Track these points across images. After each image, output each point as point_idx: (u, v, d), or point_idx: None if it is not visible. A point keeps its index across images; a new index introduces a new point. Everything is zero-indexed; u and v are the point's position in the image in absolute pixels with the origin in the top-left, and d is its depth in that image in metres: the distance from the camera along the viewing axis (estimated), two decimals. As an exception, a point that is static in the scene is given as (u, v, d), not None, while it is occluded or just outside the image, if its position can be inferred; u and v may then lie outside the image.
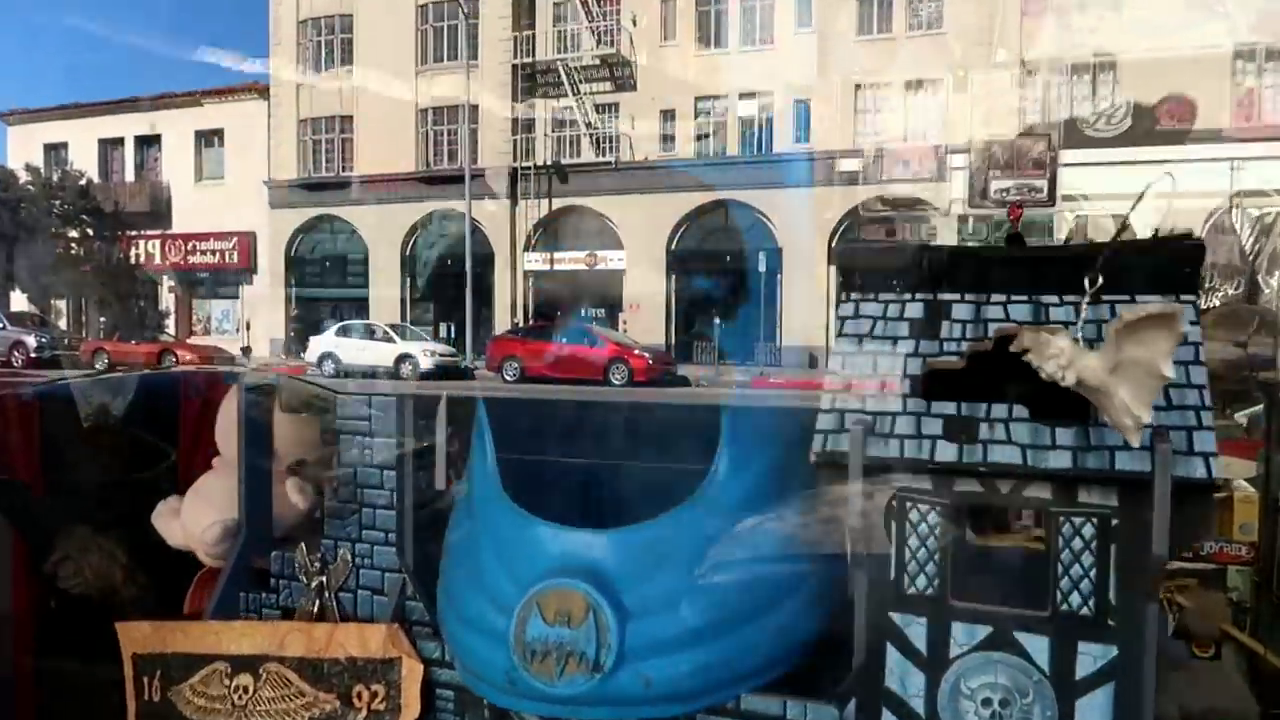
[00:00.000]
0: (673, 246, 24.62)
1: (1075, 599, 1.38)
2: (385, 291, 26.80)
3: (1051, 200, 2.88)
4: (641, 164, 24.90)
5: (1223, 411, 3.06)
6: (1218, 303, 2.93)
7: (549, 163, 25.78)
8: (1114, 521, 1.37)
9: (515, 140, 26.09)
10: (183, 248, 29.35)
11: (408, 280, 27.18)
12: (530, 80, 26.16)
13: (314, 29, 28.10)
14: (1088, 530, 1.38)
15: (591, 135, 25.72)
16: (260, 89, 28.71)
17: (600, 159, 25.34)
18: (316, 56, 28.09)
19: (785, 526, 1.59)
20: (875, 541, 1.45)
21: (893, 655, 1.47)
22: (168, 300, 29.77)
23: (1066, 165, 2.85)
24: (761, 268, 22.47)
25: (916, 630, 1.46)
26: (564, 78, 25.58)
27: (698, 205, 24.15)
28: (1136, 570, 1.35)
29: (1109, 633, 1.38)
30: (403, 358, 21.15)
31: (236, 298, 29.31)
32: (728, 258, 23.85)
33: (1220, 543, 2.93)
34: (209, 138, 29.64)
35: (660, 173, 24.42)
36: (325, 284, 28.28)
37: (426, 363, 20.88)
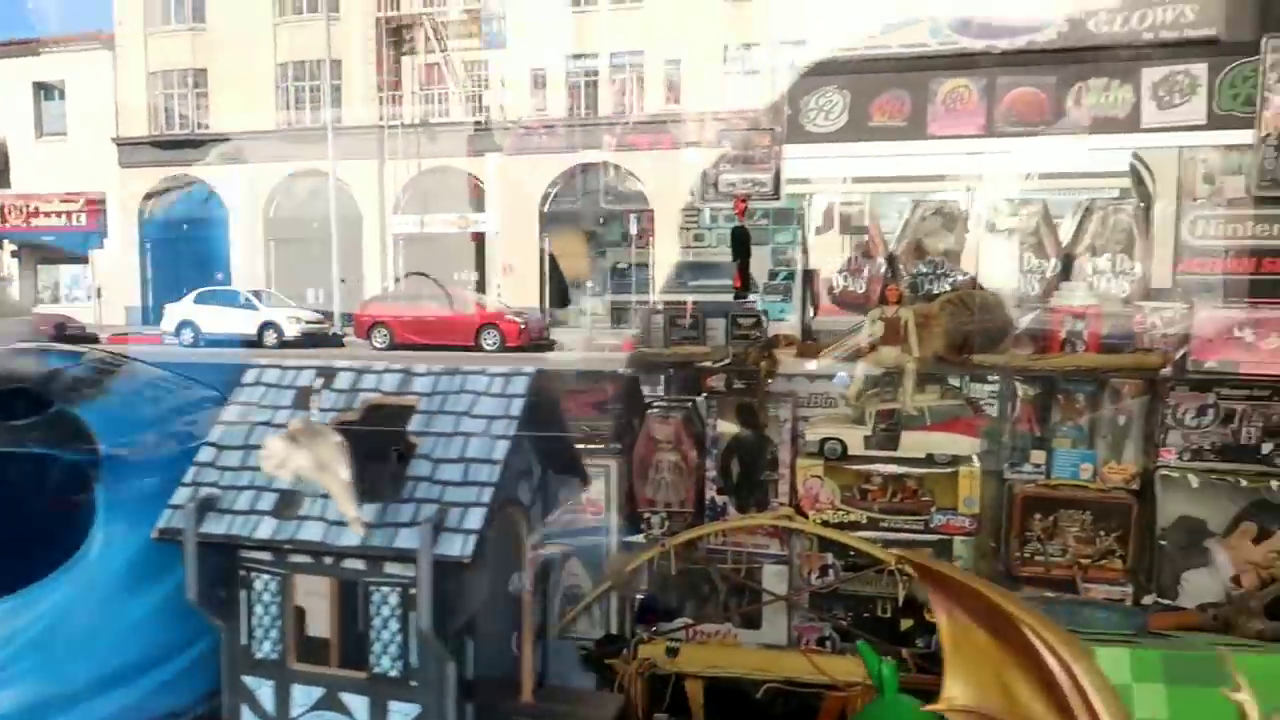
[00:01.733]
0: (545, 209, 24.49)
1: (385, 661, 1.55)
2: (247, 255, 25.81)
3: (776, 194, 3.05)
4: (513, 124, 24.57)
5: (954, 390, 3.28)
6: (948, 288, 3.11)
7: (417, 121, 25.16)
8: (411, 591, 1.53)
9: (381, 97, 25.33)
10: (24, 209, 27.51)
11: (271, 244, 26.23)
12: (396, 35, 25.37)
13: (162, -26, 26.52)
14: (393, 599, 1.56)
15: (461, 93, 25.19)
16: (105, 38, 26.95)
17: (470, 118, 24.88)
18: (165, 3, 26.52)
19: (161, 600, 1.67)
20: (231, 611, 1.56)
21: (247, 716, 1.61)
22: (9, 266, 27.94)
23: (790, 159, 3.06)
24: (633, 230, 22.60)
25: (265, 692, 1.61)
26: (430, 33, 24.91)
27: (571, 166, 24.04)
28: (433, 635, 1.52)
29: (412, 691, 1.55)
30: (266, 325, 20.53)
31: (86, 263, 27.72)
32: (601, 220, 23.85)
33: (947, 514, 3.16)
34: (49, 90, 27.72)
35: (532, 133, 24.16)
36: (182, 248, 27.03)
37: (291, 330, 20.32)
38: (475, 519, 1.63)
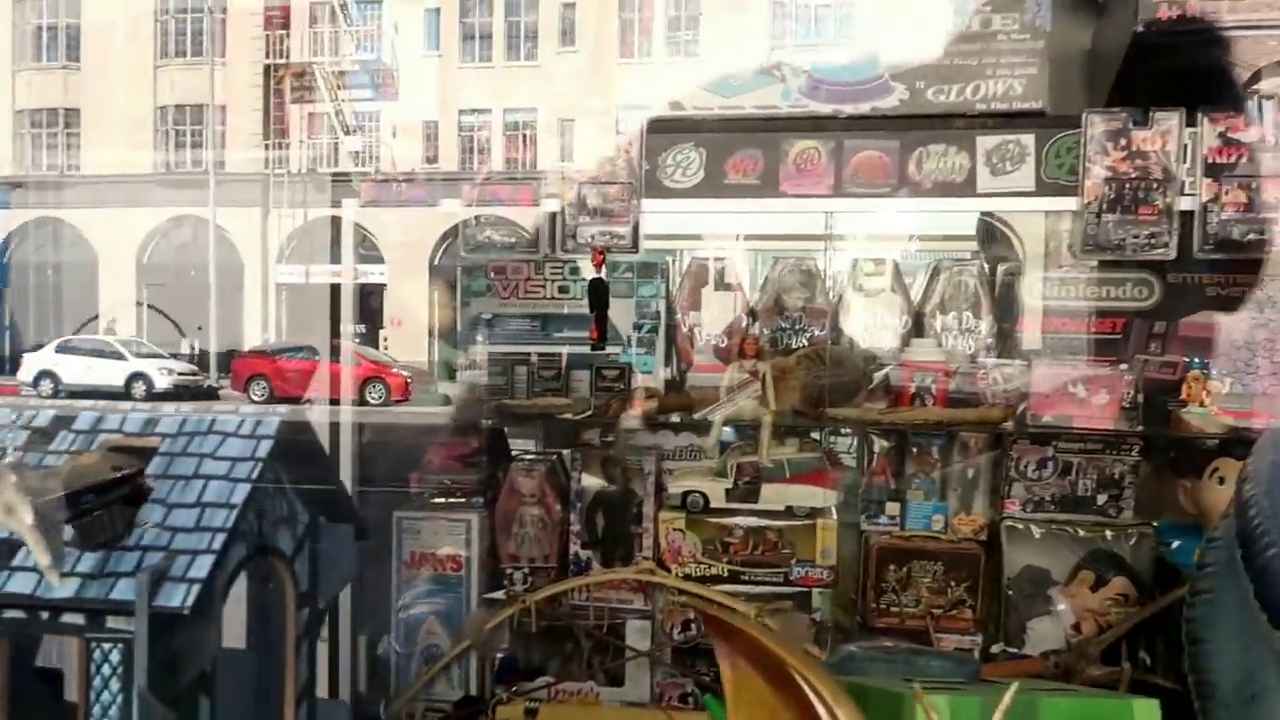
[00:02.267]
0: (436, 261, 24.20)
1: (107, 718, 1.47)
2: (116, 303, 24.64)
3: (635, 246, 3.13)
4: (405, 175, 24.33)
5: (813, 443, 3.34)
6: (805, 343, 3.18)
7: (304, 170, 24.68)
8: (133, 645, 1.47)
9: (268, 145, 24.79)
10: None
11: (144, 292, 25.13)
12: (284, 83, 24.96)
13: (33, 9, 25.46)
14: (115, 656, 1.48)
15: (363, 145, 24.89)
16: (-31, 74, 25.65)
17: (360, 168, 24.56)
18: (37, 42, 25.47)
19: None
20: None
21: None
22: None
23: (647, 213, 3.13)
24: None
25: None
26: (320, 82, 24.60)
27: (464, 219, 23.89)
28: (157, 687, 1.45)
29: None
30: (135, 376, 19.53)
31: (-61, 308, 25.96)
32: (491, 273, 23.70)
33: (806, 566, 3.19)
34: (-96, 125, 26.13)
35: (435, 186, 23.98)
36: (45, 294, 25.61)
37: (162, 381, 19.39)
38: (201, 567, 1.53)
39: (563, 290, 3.29)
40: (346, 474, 3.08)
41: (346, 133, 24.58)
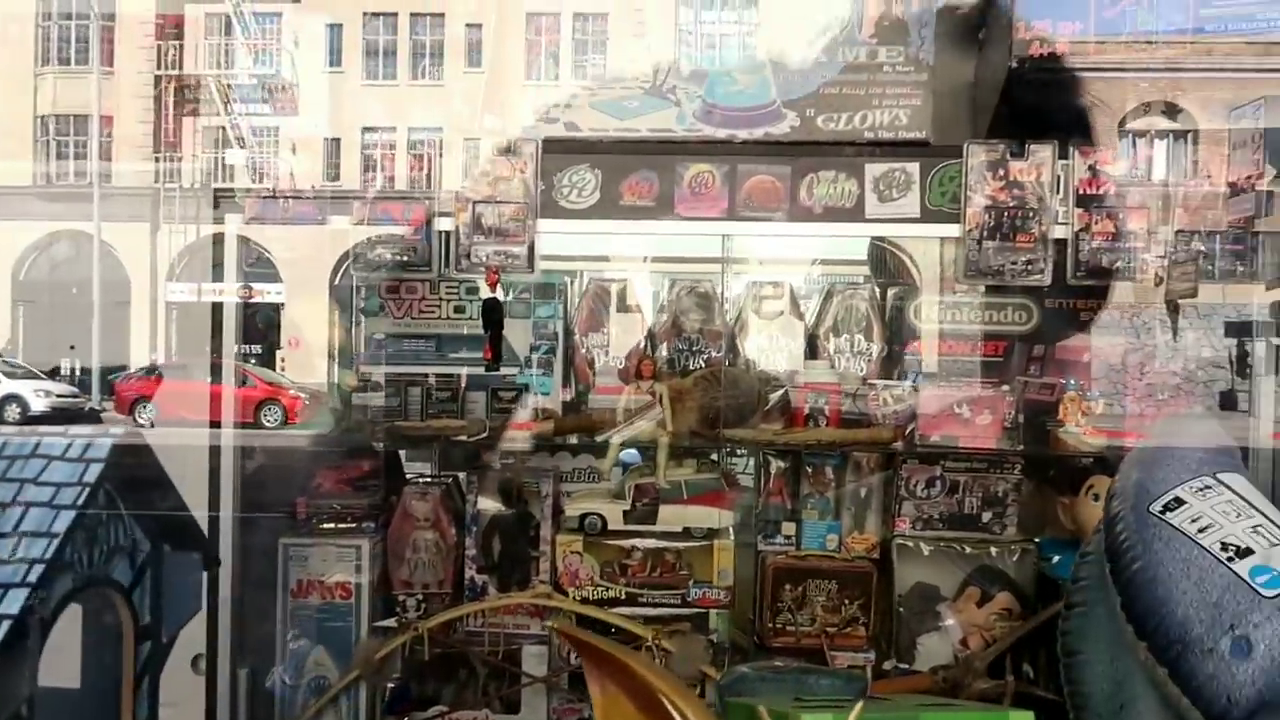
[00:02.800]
0: (336, 281, 23.66)
1: None
2: (-11, 321, 23.29)
3: (531, 266, 3.14)
4: (304, 193, 23.75)
5: (711, 464, 3.35)
6: (703, 364, 3.20)
7: (196, 185, 23.84)
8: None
9: (159, 159, 23.87)
10: None
11: (20, 309, 23.81)
12: (178, 95, 24.12)
13: (-100, 12, 24.07)
14: None
15: (247, 159, 24.18)
16: None
17: (257, 184, 23.86)
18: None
19: None
20: None
21: None
22: None
23: (544, 233, 3.15)
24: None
25: None
26: (216, 95, 23.86)
27: (366, 237, 23.40)
28: None
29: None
30: (9, 398, 18.46)
31: None
32: (384, 292, 23.26)
33: (703, 587, 3.19)
34: None
35: (324, 203, 23.43)
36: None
37: (38, 404, 18.37)
38: (13, 603, 1.42)
39: (459, 310, 3.24)
40: (227, 500, 2.95)
41: (242, 147, 23.88)
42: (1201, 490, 1.78)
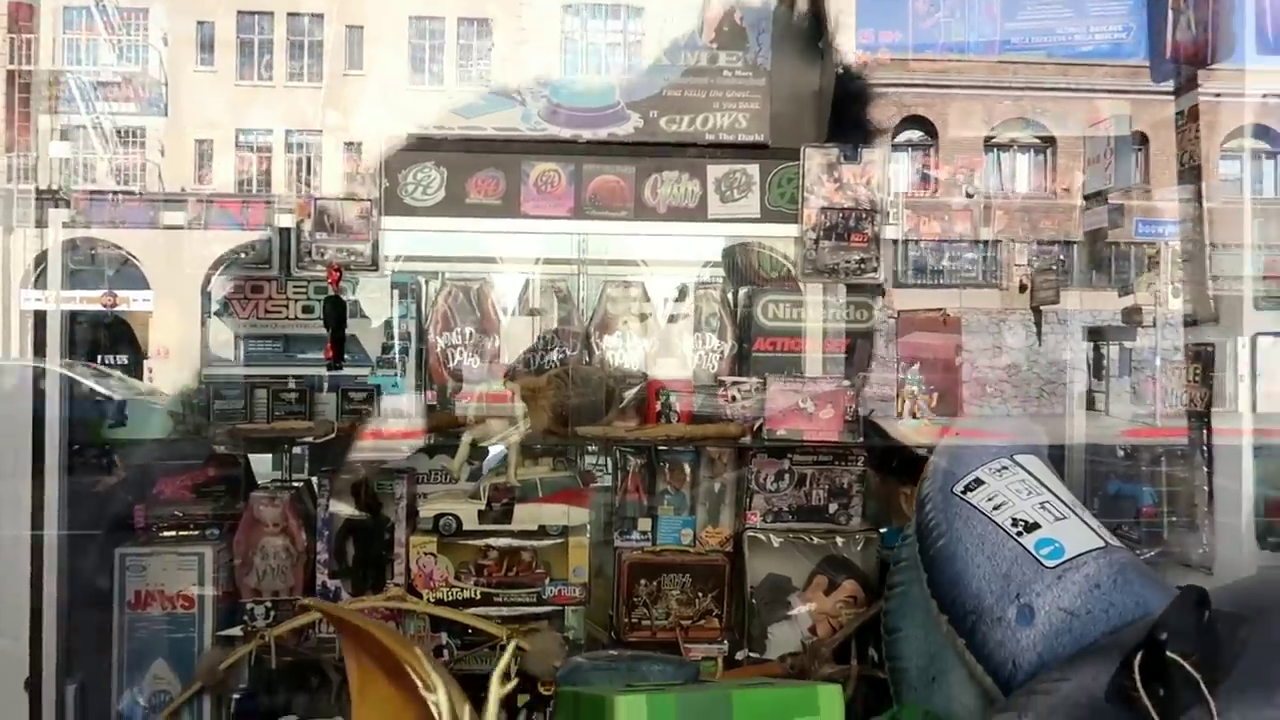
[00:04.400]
0: (209, 288, 22.74)
1: None
2: None
3: (374, 265, 3.13)
4: (174, 196, 22.74)
5: (566, 462, 3.38)
6: (557, 363, 3.21)
7: (55, 187, 22.55)
8: None
9: (10, 159, 22.48)
10: None
11: None
12: (30, 91, 22.77)
13: None
14: None
15: (111, 160, 23.02)
16: None
17: (122, 187, 22.72)
18: None
19: None
20: None
21: None
22: None
23: (387, 230, 3.15)
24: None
25: None
26: (76, 93, 22.65)
27: (239, 243, 22.57)
28: None
29: None
30: None
31: None
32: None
33: (559, 585, 3.21)
34: None
35: (196, 206, 22.47)
36: None
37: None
38: None
39: (307, 310, 3.18)
40: (52, 513, 2.80)
41: (104, 147, 22.72)
42: (999, 470, 1.91)
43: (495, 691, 0.93)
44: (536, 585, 3.20)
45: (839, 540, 3.29)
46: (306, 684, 3.23)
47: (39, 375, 3.05)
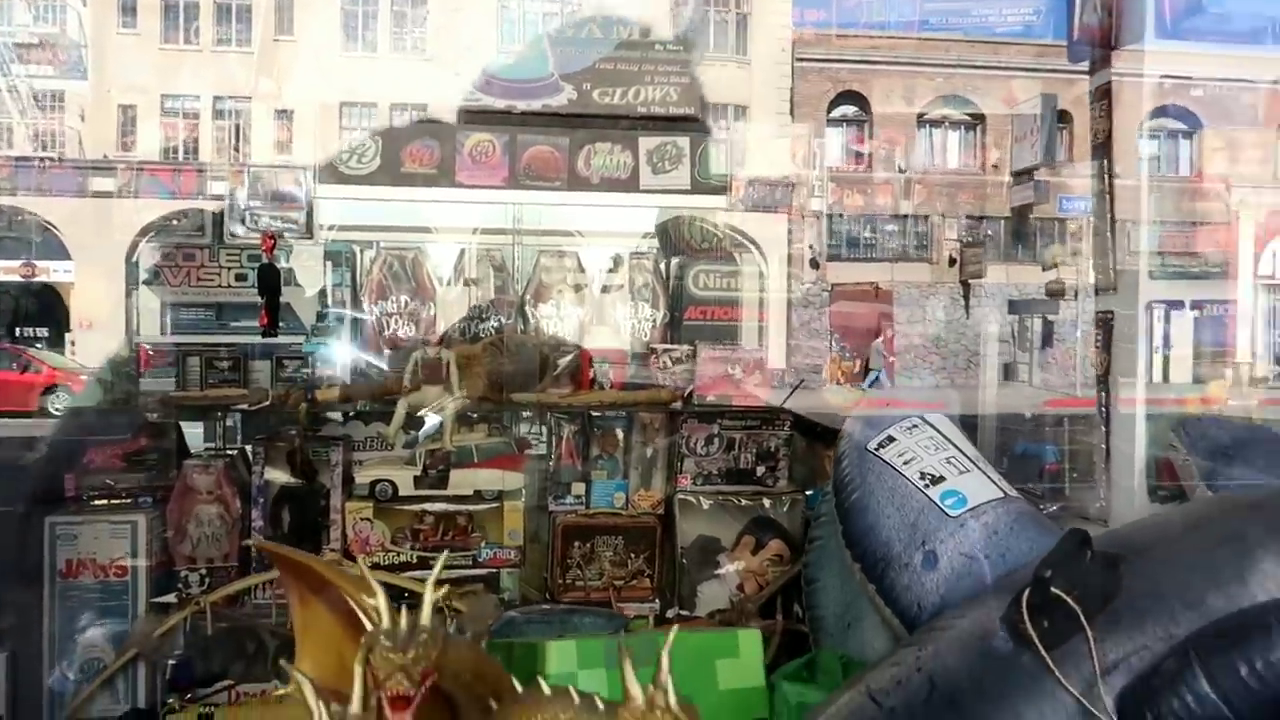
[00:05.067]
0: (135, 258, 22.08)
1: None
2: None
3: (309, 232, 3.14)
4: (97, 163, 21.96)
5: (502, 429, 3.43)
6: (492, 331, 3.25)
7: (-35, 151, 21.63)
8: None
9: (-79, 121, 21.50)
10: None
11: None
12: (-60, 52, 21.75)
13: None
14: None
15: (29, 126, 22.12)
16: None
17: (40, 154, 21.87)
18: None
19: None
20: None
21: None
22: None
23: (322, 199, 3.15)
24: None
25: None
26: (-11, 53, 21.69)
27: (170, 211, 21.91)
28: None
29: None
30: None
31: None
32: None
33: (494, 548, 3.27)
34: None
35: (120, 174, 21.73)
36: None
37: None
38: None
39: (240, 278, 3.17)
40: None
41: (22, 112, 21.82)
42: (910, 429, 2.03)
43: (429, 595, 0.97)
44: (472, 549, 3.26)
45: (766, 502, 3.40)
46: (243, 650, 3.25)
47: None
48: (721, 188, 2.96)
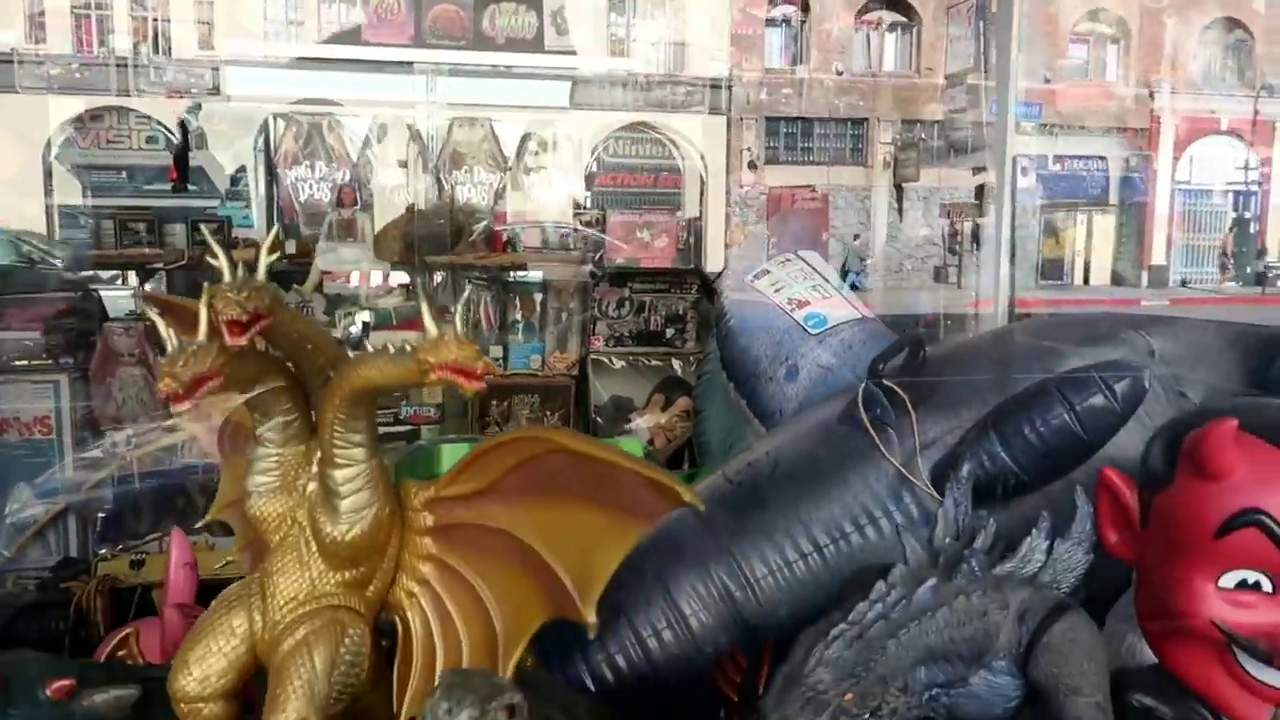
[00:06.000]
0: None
1: None
2: None
3: (217, 90, 3.11)
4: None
5: (418, 293, 3.54)
6: (409, 197, 3.33)
7: None
8: None
9: None
10: None
11: None
12: None
13: None
14: None
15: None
16: None
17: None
18: None
19: None
20: None
21: None
22: None
23: (229, 65, 3.11)
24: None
25: None
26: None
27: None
28: None
29: None
30: None
31: None
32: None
33: (414, 406, 3.41)
34: None
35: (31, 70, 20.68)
36: None
37: None
38: None
39: (150, 140, 3.19)
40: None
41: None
42: (783, 262, 2.20)
43: (264, 259, 1.02)
44: (393, 406, 3.40)
45: (675, 363, 3.59)
46: (174, 504, 3.38)
47: None
48: (621, 50, 3.04)
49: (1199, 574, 0.97)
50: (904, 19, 17.93)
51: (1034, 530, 1.15)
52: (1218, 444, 0.96)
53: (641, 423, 3.61)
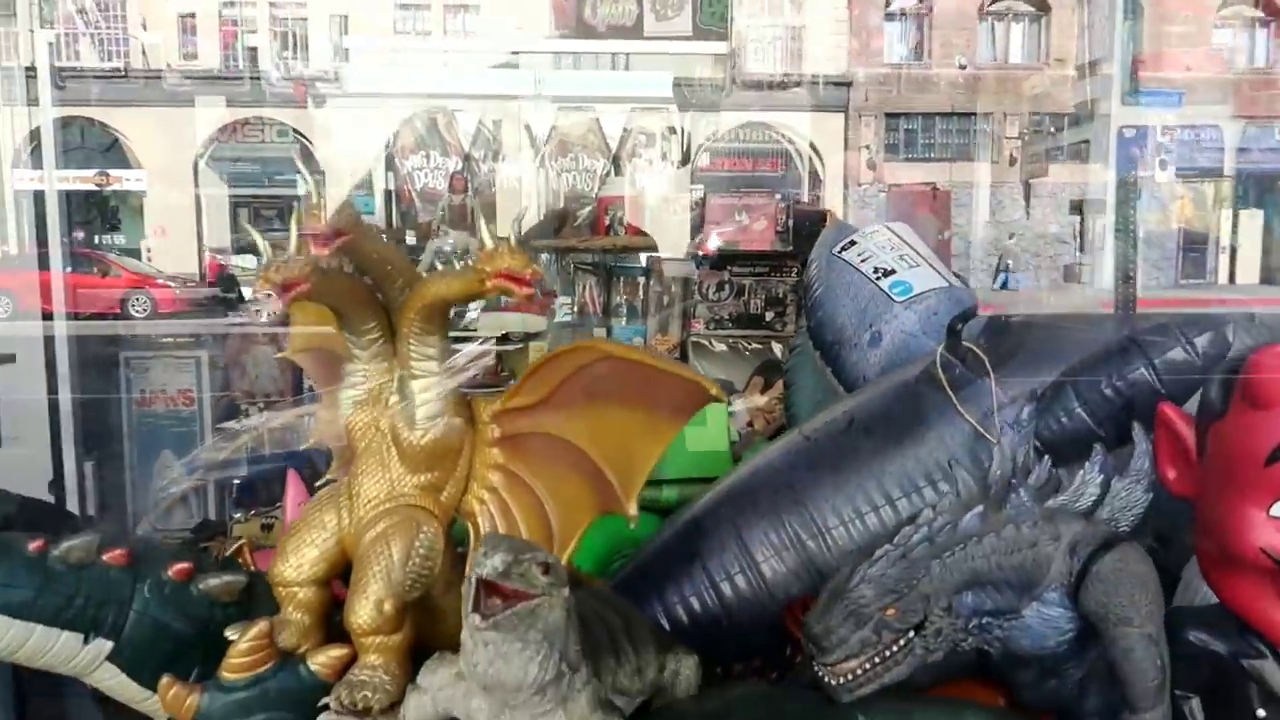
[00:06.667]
0: (204, 163, 22.59)
1: None
2: None
3: (338, 81, 3.26)
4: (161, 73, 22.37)
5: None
6: (517, 184, 3.47)
7: (52, 63, 22.13)
8: None
9: (-8, 35, 22.01)
10: None
11: None
12: (9, -35, 22.13)
13: None
14: None
15: (94, 36, 22.56)
16: None
17: (107, 64, 22.34)
18: None
19: None
20: None
21: None
22: None
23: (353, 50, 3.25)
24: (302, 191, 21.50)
25: None
26: (53, -34, 22.01)
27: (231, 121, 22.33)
28: None
29: None
30: None
31: None
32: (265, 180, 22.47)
33: (513, 383, 3.56)
34: None
35: (183, 84, 22.13)
36: None
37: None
38: None
39: (281, 134, 3.43)
40: (65, 391, 3.06)
41: (87, 24, 22.22)
42: (871, 233, 2.22)
43: (294, 233, 1.09)
44: (501, 386, 3.55)
45: (775, 346, 3.62)
46: (299, 476, 3.62)
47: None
48: (723, 34, 3.10)
49: (1250, 502, 0.97)
50: (1033, 9, 17.29)
51: (1087, 464, 1.16)
52: (1267, 371, 0.96)
53: (741, 404, 3.66)
